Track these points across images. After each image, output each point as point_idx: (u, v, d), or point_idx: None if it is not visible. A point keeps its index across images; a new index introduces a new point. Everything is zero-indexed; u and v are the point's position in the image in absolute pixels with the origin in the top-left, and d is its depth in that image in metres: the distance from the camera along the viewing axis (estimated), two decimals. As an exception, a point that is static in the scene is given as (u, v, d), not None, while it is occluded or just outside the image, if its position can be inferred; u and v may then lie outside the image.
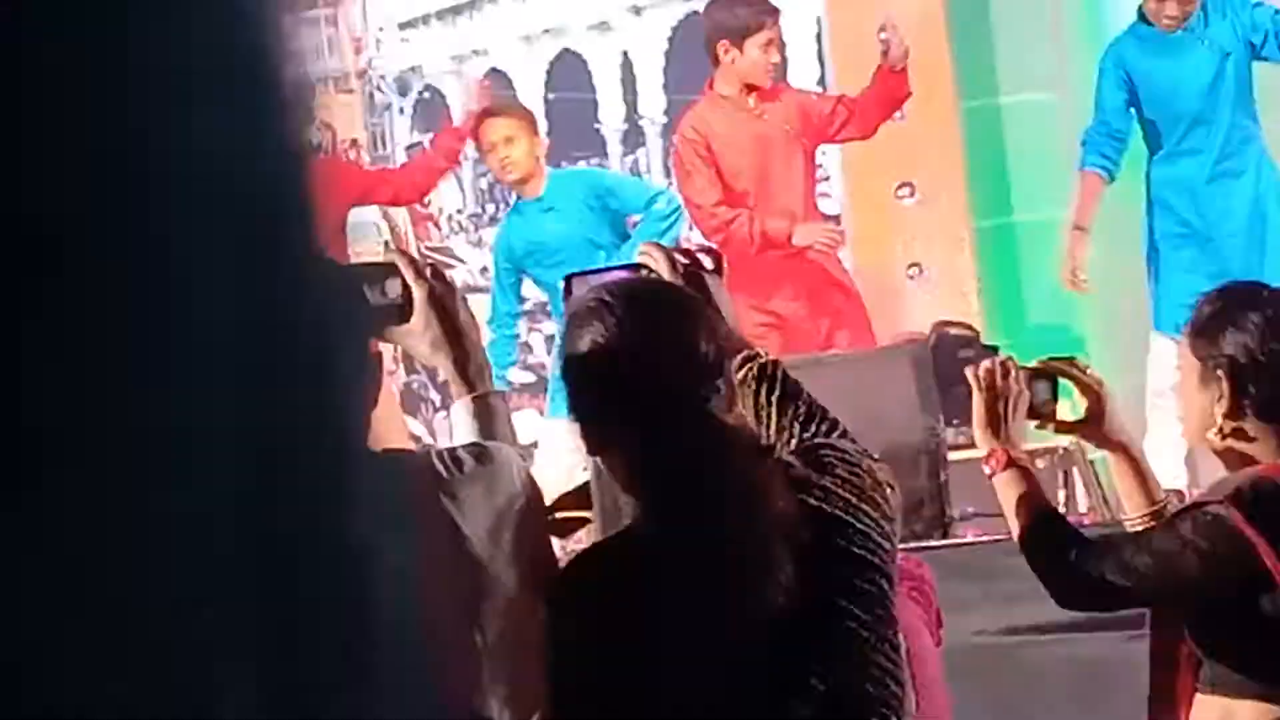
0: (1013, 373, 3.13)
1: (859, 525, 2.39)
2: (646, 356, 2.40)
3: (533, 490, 2.49)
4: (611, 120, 20.15)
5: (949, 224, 7.76)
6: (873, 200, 7.75)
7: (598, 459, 2.56)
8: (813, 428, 2.53)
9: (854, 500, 2.40)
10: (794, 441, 2.50)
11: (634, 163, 19.21)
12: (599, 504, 3.05)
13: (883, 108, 6.31)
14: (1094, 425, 3.20)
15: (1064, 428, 3.32)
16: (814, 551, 2.34)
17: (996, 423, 3.09)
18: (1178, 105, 6.26)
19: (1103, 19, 7.73)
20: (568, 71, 21.25)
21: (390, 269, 2.54)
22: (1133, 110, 6.39)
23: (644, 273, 2.73)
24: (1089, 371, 3.23)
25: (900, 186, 7.51)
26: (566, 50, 21.59)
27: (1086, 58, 7.77)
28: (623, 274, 2.80)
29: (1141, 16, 6.36)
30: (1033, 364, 3.23)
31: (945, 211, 7.77)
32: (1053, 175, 7.80)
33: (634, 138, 19.76)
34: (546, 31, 21.65)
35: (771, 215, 6.07)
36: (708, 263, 2.77)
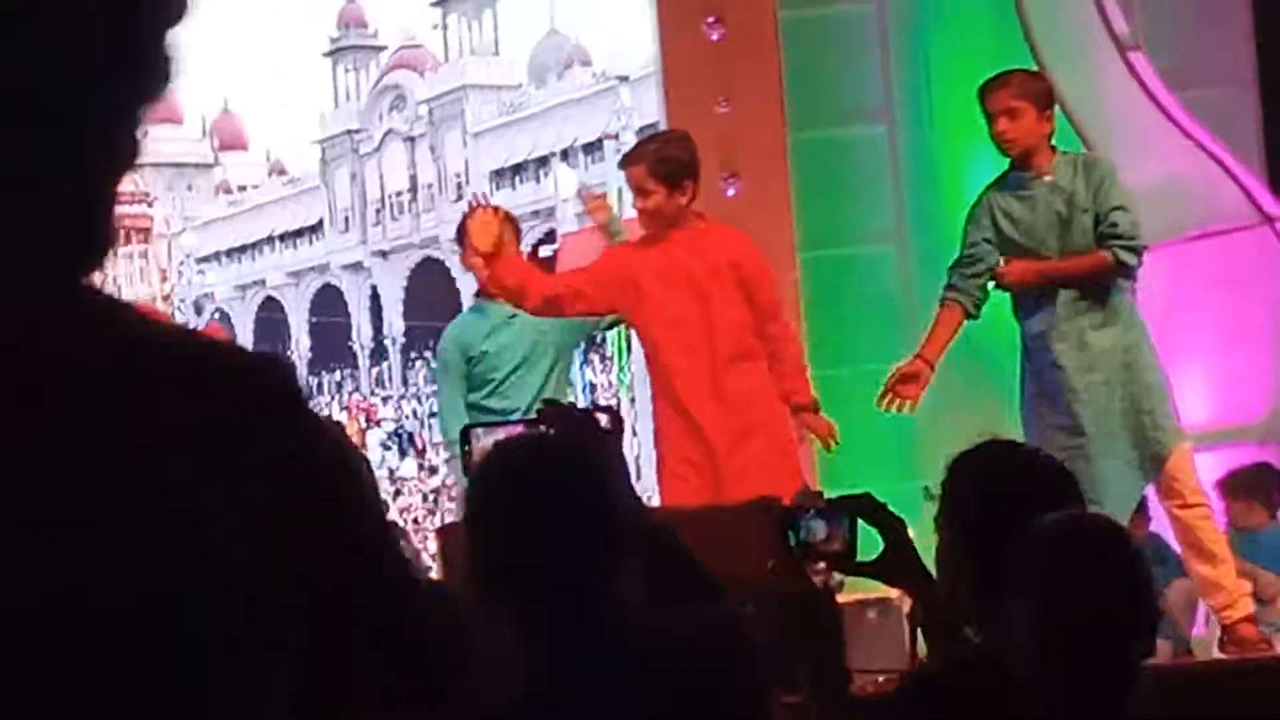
0: None
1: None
2: (551, 521, 2.39)
3: None
4: (363, 339, 24.47)
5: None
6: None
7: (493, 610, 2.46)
8: (699, 601, 2.58)
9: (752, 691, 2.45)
10: (686, 613, 2.51)
11: (378, 374, 23.49)
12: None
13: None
14: (886, 566, 2.99)
15: (851, 568, 3.06)
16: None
17: None
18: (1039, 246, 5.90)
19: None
20: (328, 300, 25.20)
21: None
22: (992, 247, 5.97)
23: (541, 428, 2.77)
24: (885, 510, 2.99)
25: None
26: (327, 284, 25.54)
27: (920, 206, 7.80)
28: (519, 430, 2.83)
29: (1011, 165, 5.99)
30: (813, 502, 3.06)
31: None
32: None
33: (379, 354, 24.54)
34: (312, 269, 25.31)
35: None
36: (605, 422, 2.75)
